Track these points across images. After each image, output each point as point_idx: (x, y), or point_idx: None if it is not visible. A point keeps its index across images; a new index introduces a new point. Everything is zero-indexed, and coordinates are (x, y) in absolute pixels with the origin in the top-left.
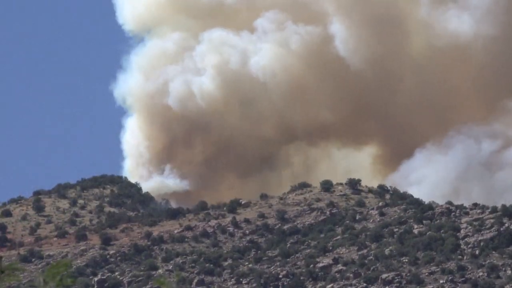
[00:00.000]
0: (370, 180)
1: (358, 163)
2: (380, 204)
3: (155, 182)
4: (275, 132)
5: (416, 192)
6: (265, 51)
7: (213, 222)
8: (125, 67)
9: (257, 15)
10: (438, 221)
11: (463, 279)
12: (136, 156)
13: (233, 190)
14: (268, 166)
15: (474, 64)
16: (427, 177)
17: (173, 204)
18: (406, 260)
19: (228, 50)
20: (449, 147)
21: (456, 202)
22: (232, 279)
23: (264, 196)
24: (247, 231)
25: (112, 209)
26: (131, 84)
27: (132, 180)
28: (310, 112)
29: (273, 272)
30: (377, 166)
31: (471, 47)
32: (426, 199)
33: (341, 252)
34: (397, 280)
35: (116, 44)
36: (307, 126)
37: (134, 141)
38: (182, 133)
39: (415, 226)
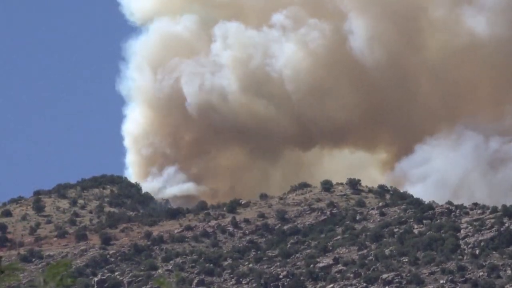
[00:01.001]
0: (377, 180)
1: (367, 163)
2: (380, 204)
3: (158, 183)
4: (287, 131)
5: (421, 190)
6: (283, 48)
7: (213, 222)
8: (132, 64)
9: (274, 11)
10: (438, 221)
11: (463, 279)
12: (142, 158)
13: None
14: (274, 165)
15: (490, 63)
16: (439, 172)
17: (173, 204)
18: (406, 260)
19: (245, 47)
20: (459, 144)
21: (465, 201)
22: (232, 279)
23: (264, 196)
24: (247, 231)
25: (112, 209)
26: (139, 80)
27: (140, 180)
28: (326, 113)
29: (273, 272)
30: (388, 165)
31: (486, 47)
32: (432, 196)
33: (341, 252)
34: (397, 280)
35: (120, 39)
36: (322, 128)
37: (143, 141)
38: (193, 132)
39: (415, 226)
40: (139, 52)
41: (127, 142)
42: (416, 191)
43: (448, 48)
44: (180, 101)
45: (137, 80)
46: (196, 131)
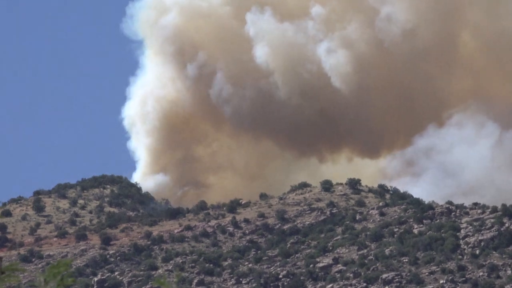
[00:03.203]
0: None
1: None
2: (380, 204)
3: (159, 183)
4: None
5: (424, 189)
6: (321, 48)
7: (213, 222)
8: (147, 48)
9: (309, 4)
10: (438, 221)
11: (463, 279)
12: (147, 156)
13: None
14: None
15: None
16: (453, 167)
17: (173, 204)
18: (406, 260)
19: (281, 45)
20: (479, 138)
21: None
22: (232, 279)
23: (264, 196)
24: (247, 231)
25: (112, 209)
26: (154, 70)
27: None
28: (363, 120)
29: (273, 272)
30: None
31: None
32: (440, 193)
33: (341, 252)
34: (397, 280)
35: (124, 17)
36: (355, 134)
37: (149, 140)
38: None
39: (415, 226)
40: (155, 34)
41: (132, 140)
42: (425, 187)
43: (481, 41)
44: (206, 99)
45: (153, 71)
46: (223, 129)
